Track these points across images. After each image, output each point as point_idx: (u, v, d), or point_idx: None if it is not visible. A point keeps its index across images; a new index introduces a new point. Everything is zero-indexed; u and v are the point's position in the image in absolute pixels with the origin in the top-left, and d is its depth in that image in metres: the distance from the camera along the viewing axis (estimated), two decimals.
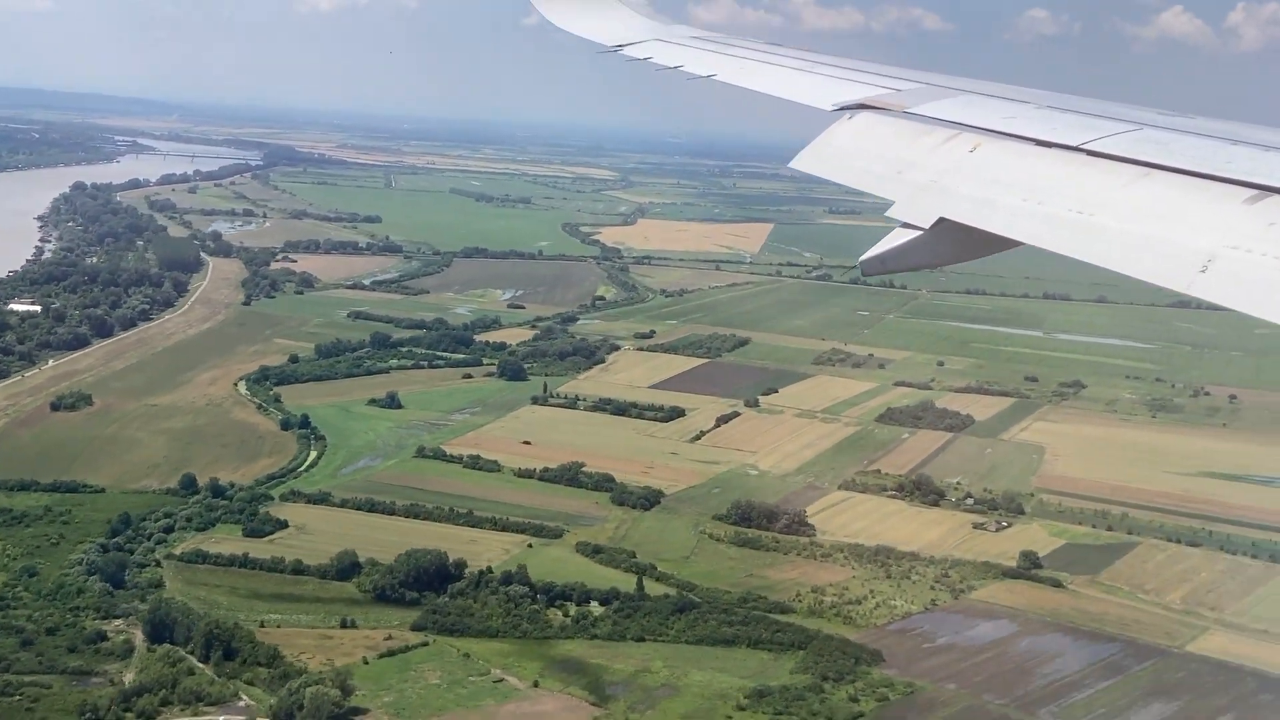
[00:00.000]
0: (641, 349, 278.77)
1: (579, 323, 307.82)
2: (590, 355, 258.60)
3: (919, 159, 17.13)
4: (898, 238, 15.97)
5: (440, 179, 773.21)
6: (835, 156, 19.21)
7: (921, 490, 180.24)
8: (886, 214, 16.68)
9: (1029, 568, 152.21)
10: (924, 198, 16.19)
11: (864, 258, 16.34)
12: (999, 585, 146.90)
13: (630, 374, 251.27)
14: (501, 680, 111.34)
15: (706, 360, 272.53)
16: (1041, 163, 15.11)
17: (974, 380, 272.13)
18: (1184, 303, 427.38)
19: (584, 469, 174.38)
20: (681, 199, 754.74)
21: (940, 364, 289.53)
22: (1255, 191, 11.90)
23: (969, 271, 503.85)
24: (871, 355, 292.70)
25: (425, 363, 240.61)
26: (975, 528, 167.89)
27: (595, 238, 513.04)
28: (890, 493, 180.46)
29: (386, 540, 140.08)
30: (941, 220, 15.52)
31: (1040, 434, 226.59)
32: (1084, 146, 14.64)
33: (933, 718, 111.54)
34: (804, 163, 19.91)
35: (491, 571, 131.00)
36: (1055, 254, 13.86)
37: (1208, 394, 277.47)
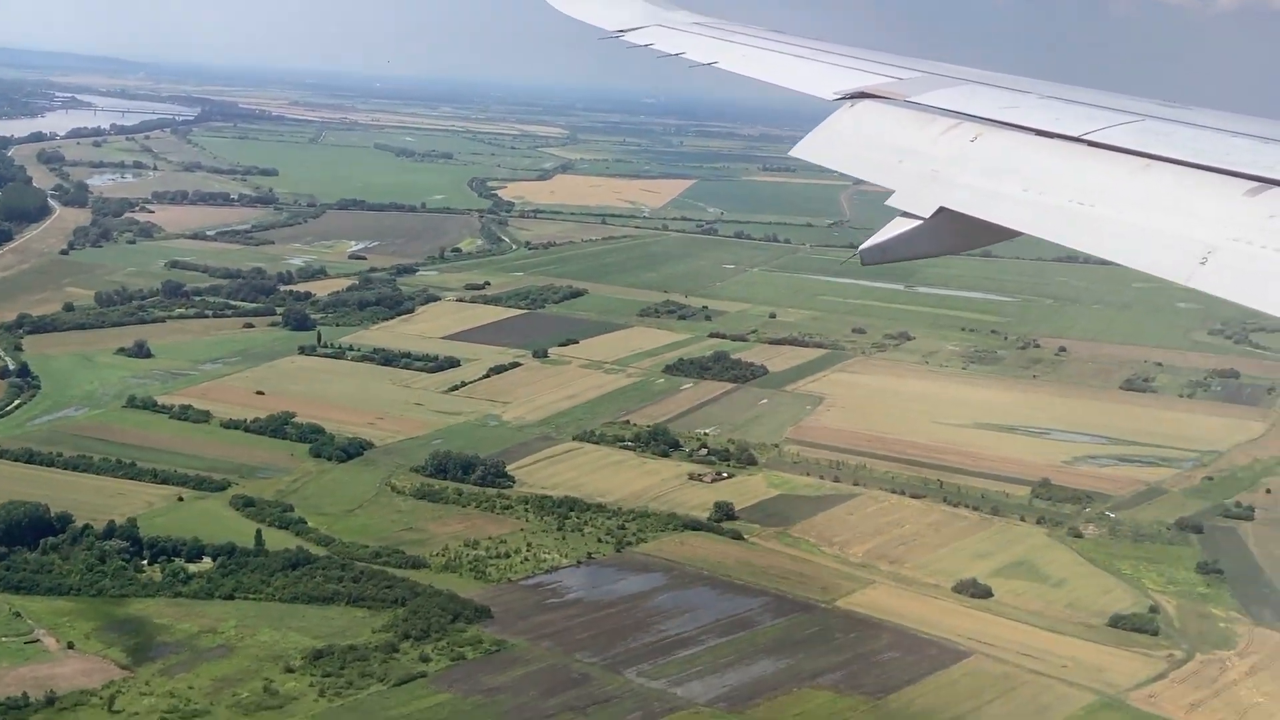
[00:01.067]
0: (464, 300, 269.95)
1: (417, 274, 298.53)
2: (396, 306, 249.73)
3: (920, 148, 16.92)
4: (898, 226, 15.73)
5: (375, 135, 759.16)
6: (836, 145, 18.92)
7: (657, 441, 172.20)
8: (887, 202, 16.23)
9: (719, 519, 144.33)
10: (924, 187, 15.95)
11: (864, 247, 16.05)
12: (674, 538, 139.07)
13: (431, 325, 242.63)
14: (35, 641, 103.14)
15: (525, 312, 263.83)
16: (1042, 153, 14.81)
17: (797, 332, 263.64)
18: (1071, 257, 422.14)
19: (294, 420, 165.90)
20: (615, 155, 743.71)
21: (772, 316, 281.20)
22: (1256, 183, 11.74)
23: (868, 228, 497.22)
24: (705, 307, 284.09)
25: (211, 312, 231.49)
26: (691, 479, 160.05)
27: (496, 192, 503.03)
28: (625, 444, 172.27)
29: (14, 491, 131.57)
30: (942, 210, 15.26)
31: (830, 385, 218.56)
32: (1085, 137, 14.36)
33: (500, 676, 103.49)
34: (805, 150, 19.54)
35: (92, 527, 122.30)
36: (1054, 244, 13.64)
37: (1038, 346, 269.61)
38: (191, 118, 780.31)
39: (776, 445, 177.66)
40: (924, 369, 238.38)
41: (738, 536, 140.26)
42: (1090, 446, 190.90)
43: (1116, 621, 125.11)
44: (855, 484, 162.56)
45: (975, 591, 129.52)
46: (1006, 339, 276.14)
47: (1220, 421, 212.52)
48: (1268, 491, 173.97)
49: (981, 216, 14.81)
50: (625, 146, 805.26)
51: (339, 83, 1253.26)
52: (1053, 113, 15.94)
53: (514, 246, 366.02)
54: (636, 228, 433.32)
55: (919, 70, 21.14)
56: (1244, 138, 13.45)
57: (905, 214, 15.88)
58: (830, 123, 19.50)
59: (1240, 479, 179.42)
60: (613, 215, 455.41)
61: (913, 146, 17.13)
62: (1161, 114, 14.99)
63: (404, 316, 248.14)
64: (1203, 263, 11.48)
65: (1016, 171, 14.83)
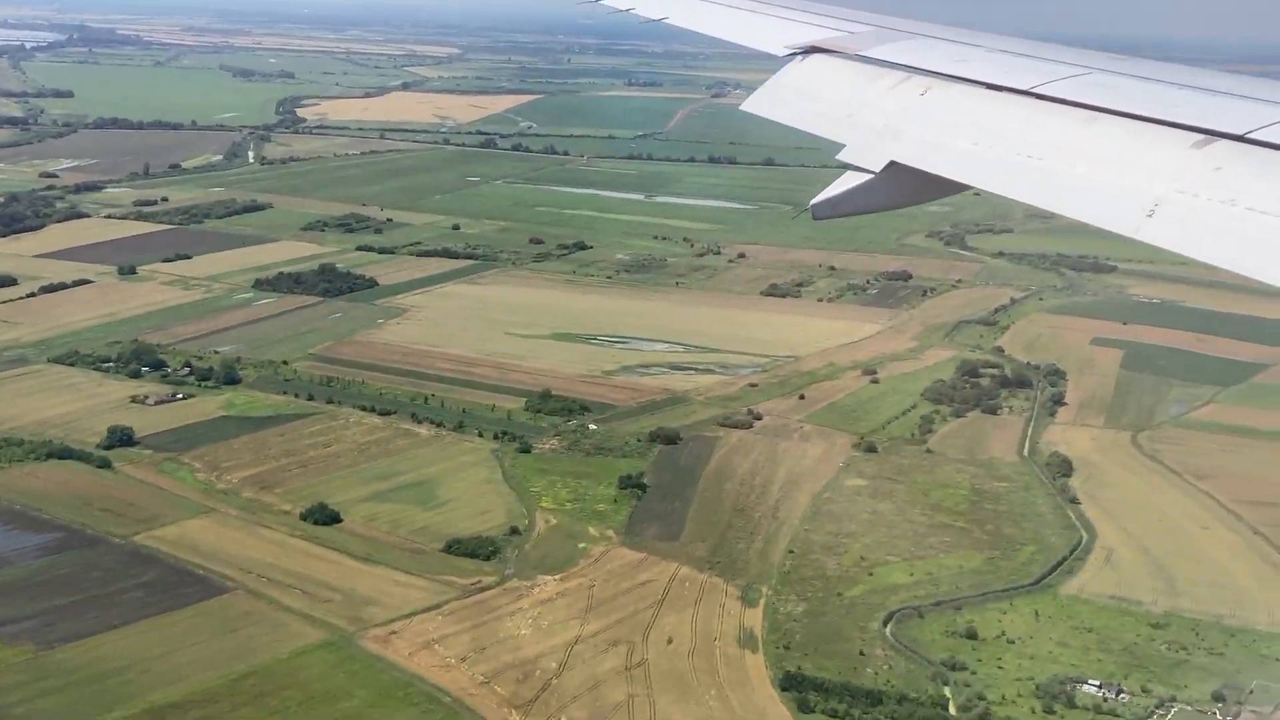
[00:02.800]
0: (113, 217, 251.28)
1: (103, 191, 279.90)
2: (17, 222, 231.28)
3: (870, 102, 16.49)
4: (849, 180, 15.30)
5: (238, 57, 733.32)
6: (786, 100, 18.43)
7: (140, 359, 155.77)
8: (838, 156, 15.72)
9: (111, 445, 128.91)
10: (875, 141, 15.55)
11: (815, 201, 15.40)
12: (28, 468, 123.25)
13: (43, 241, 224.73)
14: None
15: (175, 227, 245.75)
16: (992, 106, 14.55)
17: (468, 244, 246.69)
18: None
19: None
20: (479, 73, 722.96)
21: (456, 228, 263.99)
22: (1202, 136, 11.58)
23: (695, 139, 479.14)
24: (390, 220, 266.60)
25: None
26: (134, 401, 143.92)
27: (297, 110, 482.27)
28: (103, 365, 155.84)
29: None
30: (892, 164, 14.94)
31: (435, 298, 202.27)
32: (1034, 90, 14.19)
33: None
34: (755, 105, 18.90)
35: None
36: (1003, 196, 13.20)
37: (718, 253, 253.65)
38: (46, 44, 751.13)
39: (286, 362, 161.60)
40: (562, 280, 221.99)
41: (106, 465, 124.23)
42: (660, 354, 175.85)
43: (452, 546, 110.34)
44: (329, 402, 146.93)
45: (321, 518, 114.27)
46: (693, 246, 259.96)
47: (837, 325, 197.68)
48: (801, 397, 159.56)
49: (931, 170, 14.43)
50: (502, 66, 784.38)
51: (266, 8, 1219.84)
52: (1002, 66, 15.62)
53: (261, 161, 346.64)
54: (415, 143, 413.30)
55: (870, 24, 20.58)
56: (1190, 90, 13.16)
57: (856, 168, 15.29)
58: (780, 77, 19.04)
59: (791, 384, 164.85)
60: (409, 130, 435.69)
61: (863, 101, 16.67)
62: (1109, 66, 14.70)
63: (29, 233, 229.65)
64: (1150, 215, 11.16)
65: (966, 125, 14.50)
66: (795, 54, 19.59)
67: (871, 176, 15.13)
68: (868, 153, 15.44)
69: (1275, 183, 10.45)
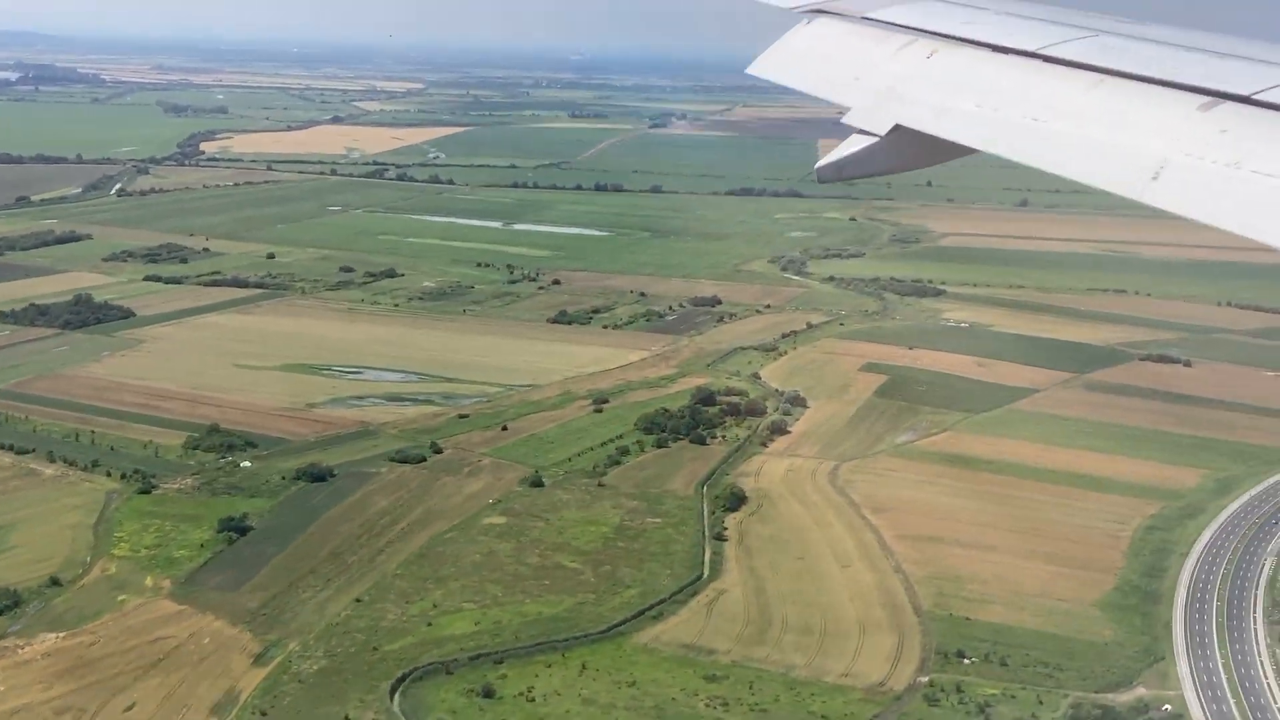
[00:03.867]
0: None
1: None
2: None
3: (876, 65, 16.16)
4: (854, 144, 14.93)
5: (178, 95, 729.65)
6: (791, 62, 18.29)
7: None
8: (843, 119, 15.21)
9: None
10: (880, 104, 15.21)
11: (820, 164, 15.10)
12: None
13: None
14: None
15: None
16: (998, 69, 14.21)
17: (274, 273, 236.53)
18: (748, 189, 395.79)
19: None
20: (426, 107, 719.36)
21: (271, 256, 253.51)
22: (1208, 98, 11.32)
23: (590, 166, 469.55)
24: (207, 250, 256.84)
25: None
26: None
27: (211, 143, 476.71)
28: None
29: None
30: (898, 127, 14.66)
31: (192, 329, 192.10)
32: (1040, 52, 13.79)
33: None
34: (760, 68, 18.83)
35: None
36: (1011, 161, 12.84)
37: (533, 279, 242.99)
38: None
39: None
40: (344, 309, 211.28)
41: None
42: (386, 385, 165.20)
43: None
44: None
45: None
46: (512, 272, 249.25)
47: (603, 352, 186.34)
48: (504, 429, 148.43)
49: (937, 133, 14.17)
50: (458, 100, 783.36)
51: (259, 49, 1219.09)
52: (1009, 28, 15.17)
53: (110, 194, 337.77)
54: (301, 174, 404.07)
55: None
56: (1197, 52, 12.83)
57: (861, 131, 14.95)
58: (786, 40, 18.76)
59: (505, 414, 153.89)
60: (306, 162, 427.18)
61: (869, 63, 16.35)
62: (1117, 29, 14.36)
63: None
64: (1155, 178, 10.92)
65: (972, 88, 14.20)
66: (802, 15, 19.13)
67: (876, 140, 14.70)
68: (873, 116, 15.04)
69: None
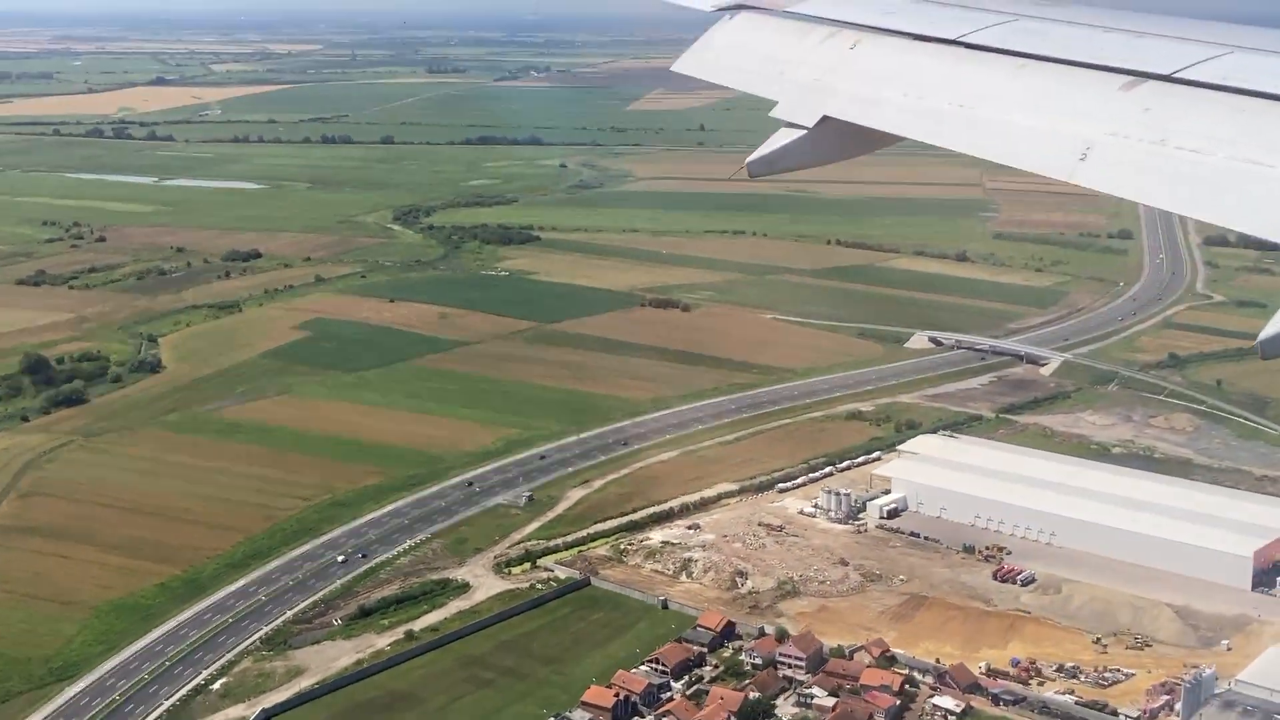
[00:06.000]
0: None
1: None
2: None
3: (800, 58, 15.72)
4: (782, 138, 14.65)
5: (21, 63, 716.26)
6: (716, 59, 17.65)
7: None
8: (770, 113, 15.01)
9: None
10: (807, 97, 14.88)
11: (750, 159, 14.80)
12: None
13: None
14: None
15: None
16: (921, 57, 13.95)
17: None
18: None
19: None
20: (273, 68, 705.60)
21: None
22: (1130, 78, 11.32)
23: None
24: None
25: None
26: None
27: None
28: None
29: None
30: (825, 119, 14.39)
31: None
32: (961, 39, 13.67)
33: None
34: (685, 65, 18.05)
35: None
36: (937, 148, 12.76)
37: (81, 239, 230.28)
38: None
39: None
40: None
41: None
42: None
43: None
44: None
45: None
46: (67, 228, 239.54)
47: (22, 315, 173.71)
48: None
49: (864, 123, 13.90)
50: (316, 59, 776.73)
51: (201, 19, 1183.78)
52: (929, 16, 14.96)
53: None
54: (18, 134, 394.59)
55: None
56: (1118, 33, 12.75)
57: (789, 124, 14.68)
58: (709, 36, 18.08)
59: None
60: (44, 124, 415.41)
61: (793, 56, 15.86)
62: (1036, 13, 14.22)
63: None
64: (1082, 159, 10.86)
65: (896, 77, 13.93)
66: (723, 11, 18.36)
67: (805, 132, 14.39)
68: (800, 108, 14.68)
69: (1202, 120, 10.39)
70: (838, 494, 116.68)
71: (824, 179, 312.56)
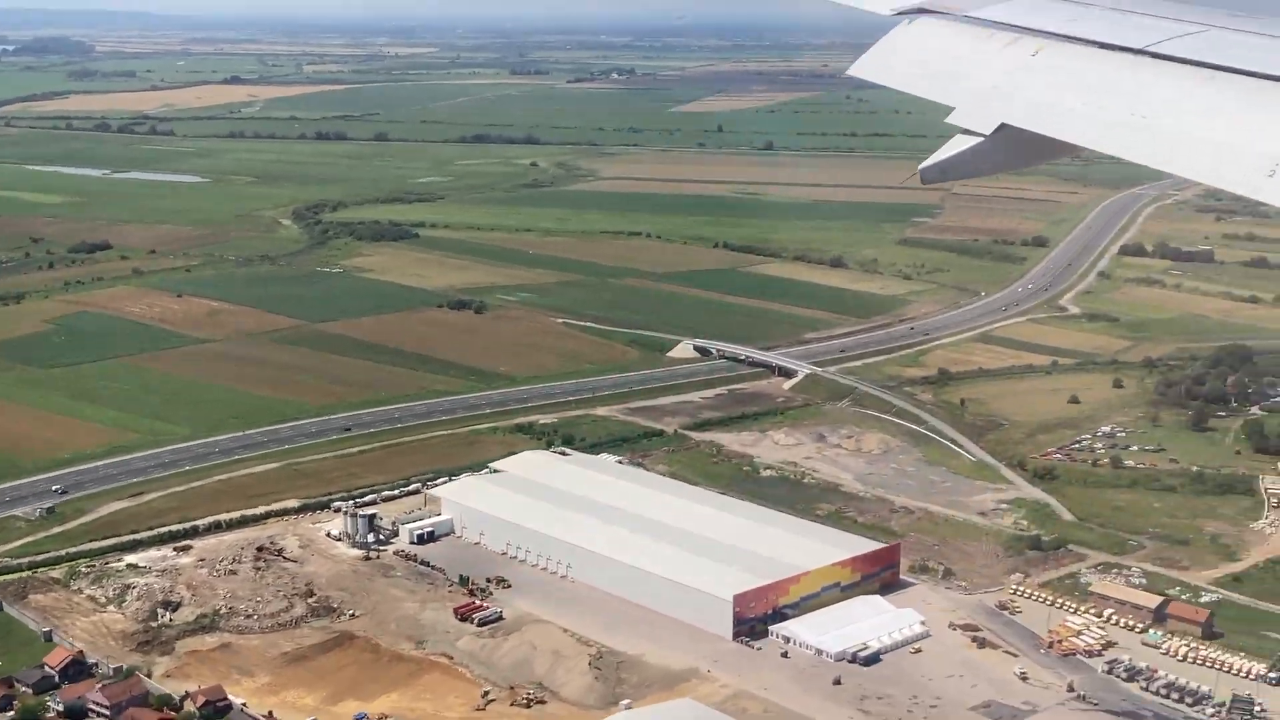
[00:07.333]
0: None
1: None
2: None
3: (980, 64, 15.46)
4: (958, 144, 14.39)
5: (106, 62, 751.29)
6: (894, 62, 17.37)
7: None
8: (947, 119, 14.72)
9: None
10: (985, 104, 14.56)
11: (923, 165, 14.56)
12: None
13: None
14: None
15: None
16: (1104, 66, 13.50)
17: None
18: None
19: None
20: (358, 68, 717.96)
21: None
22: None
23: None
24: None
25: None
26: None
27: (51, 102, 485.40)
28: None
29: None
30: (1003, 126, 14.03)
31: None
32: (1148, 49, 13.13)
33: None
34: (863, 69, 17.79)
35: None
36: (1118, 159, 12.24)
37: None
38: None
39: None
40: None
41: None
42: None
43: None
44: None
45: None
46: None
47: None
48: None
49: (1043, 132, 13.46)
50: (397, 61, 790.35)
51: (318, 22, 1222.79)
52: (1115, 24, 14.45)
53: None
54: (32, 128, 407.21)
55: None
56: None
57: (966, 131, 14.40)
58: (888, 40, 17.80)
59: None
60: (75, 117, 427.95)
61: (972, 62, 15.57)
62: (1228, 24, 13.61)
63: None
64: (1271, 175, 10.38)
65: (1078, 85, 13.51)
66: (902, 15, 18.10)
67: (981, 139, 14.11)
68: (977, 115, 14.43)
69: None
70: (355, 516, 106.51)
71: (778, 181, 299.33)
